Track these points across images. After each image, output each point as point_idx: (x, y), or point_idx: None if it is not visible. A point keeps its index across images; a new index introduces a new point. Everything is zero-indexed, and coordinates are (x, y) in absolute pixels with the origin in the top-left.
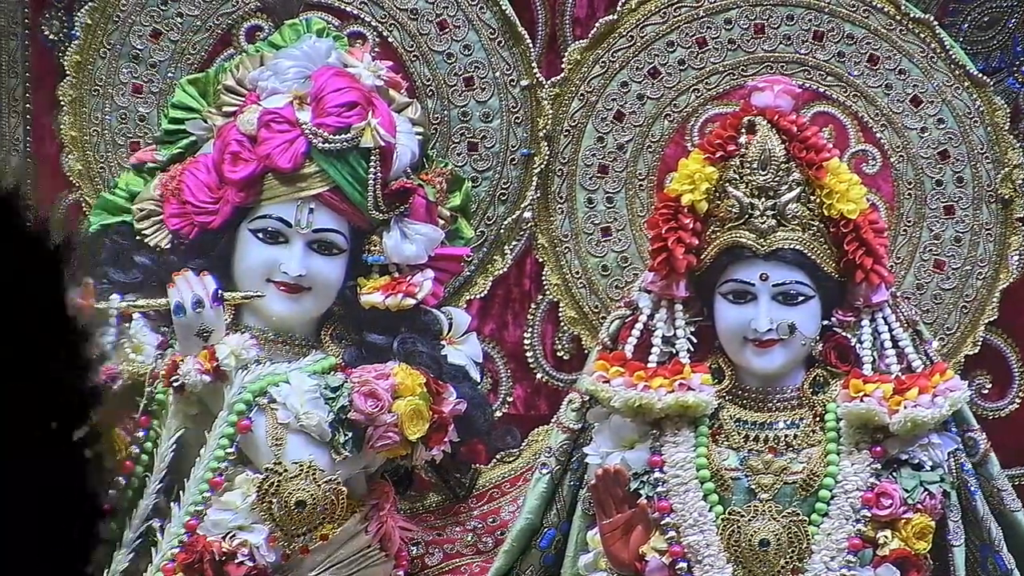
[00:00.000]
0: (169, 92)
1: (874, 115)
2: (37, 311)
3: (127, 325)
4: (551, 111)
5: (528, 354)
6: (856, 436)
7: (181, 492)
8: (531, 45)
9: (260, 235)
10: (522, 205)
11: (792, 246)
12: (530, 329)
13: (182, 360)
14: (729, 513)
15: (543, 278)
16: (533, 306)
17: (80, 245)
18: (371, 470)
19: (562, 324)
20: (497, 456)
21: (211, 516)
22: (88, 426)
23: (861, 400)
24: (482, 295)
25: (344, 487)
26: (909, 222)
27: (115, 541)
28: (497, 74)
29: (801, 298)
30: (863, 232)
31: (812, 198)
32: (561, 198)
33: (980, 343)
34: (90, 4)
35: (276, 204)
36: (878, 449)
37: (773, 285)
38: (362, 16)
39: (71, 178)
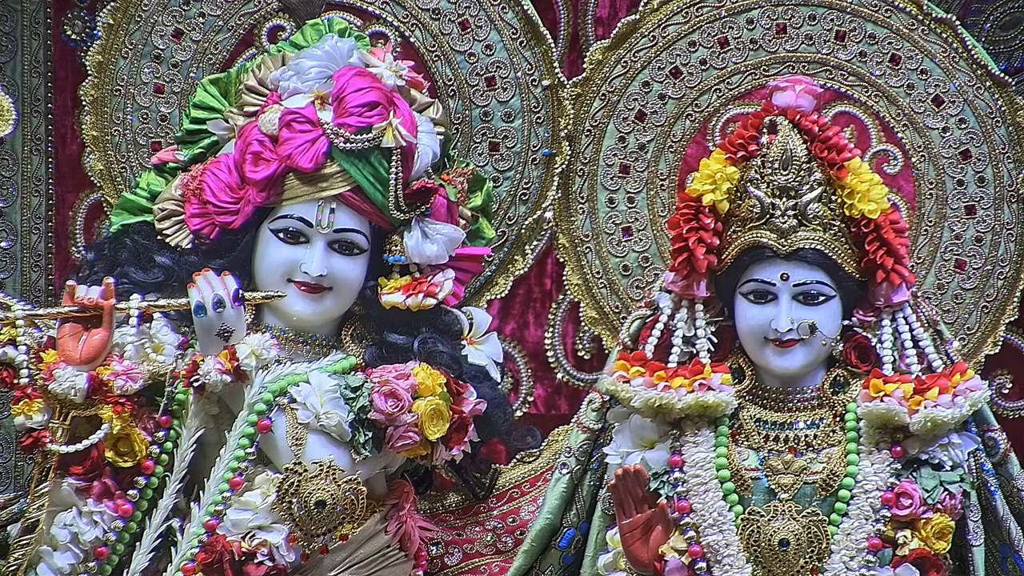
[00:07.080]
0: (191, 92)
1: (896, 115)
2: None
3: (148, 325)
4: (572, 111)
5: (549, 354)
6: (876, 436)
7: (201, 492)
8: (553, 45)
9: (281, 235)
10: (543, 205)
11: (813, 246)
12: (551, 329)
13: (202, 360)
14: (749, 513)
15: (564, 278)
16: (554, 306)
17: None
18: (391, 470)
19: (583, 324)
20: (517, 456)
21: (231, 516)
22: None
23: (881, 400)
24: (503, 295)
25: (364, 487)
26: (930, 222)
27: (135, 541)
28: (519, 74)
29: (822, 298)
30: (884, 232)
31: (833, 198)
32: (582, 198)
33: (1001, 343)
34: (112, 4)
35: (297, 204)
36: (898, 449)
37: (794, 285)
38: (384, 16)
39: (92, 178)
